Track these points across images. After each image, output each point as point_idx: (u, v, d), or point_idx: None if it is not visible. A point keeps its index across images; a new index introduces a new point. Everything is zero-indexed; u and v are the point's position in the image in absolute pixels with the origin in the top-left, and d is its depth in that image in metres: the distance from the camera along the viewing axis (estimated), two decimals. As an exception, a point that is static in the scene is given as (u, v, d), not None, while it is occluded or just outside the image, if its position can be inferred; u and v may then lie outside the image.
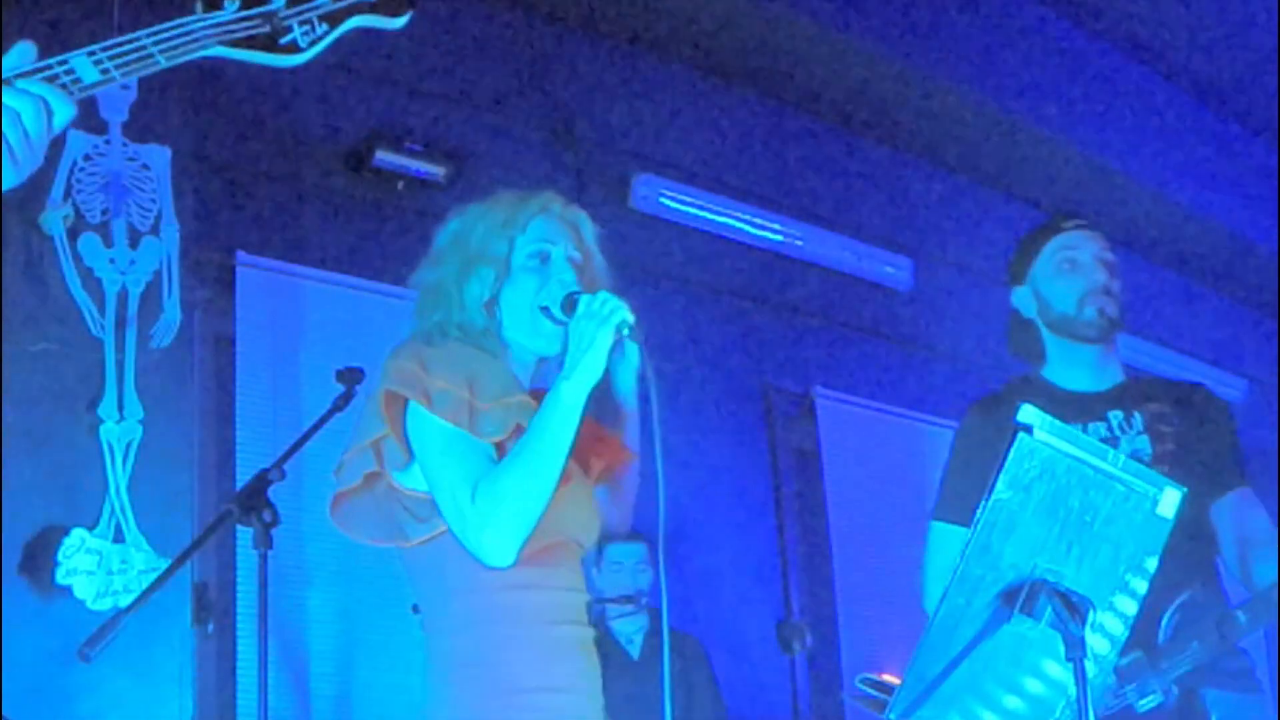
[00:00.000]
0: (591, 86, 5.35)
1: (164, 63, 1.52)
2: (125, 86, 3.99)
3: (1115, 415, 2.89)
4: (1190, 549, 2.72)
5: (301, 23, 1.62)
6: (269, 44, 1.60)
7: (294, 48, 1.61)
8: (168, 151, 4.08)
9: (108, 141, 3.99)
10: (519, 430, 2.11)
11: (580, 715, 2.14)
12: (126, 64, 1.50)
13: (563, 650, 2.14)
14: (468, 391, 2.11)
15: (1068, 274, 2.92)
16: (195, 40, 1.54)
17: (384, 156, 4.60)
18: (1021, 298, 3.01)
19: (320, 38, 1.63)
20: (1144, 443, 2.84)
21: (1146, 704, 2.61)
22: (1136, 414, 2.88)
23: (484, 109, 5.04)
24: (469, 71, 5.02)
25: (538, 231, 2.26)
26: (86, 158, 3.94)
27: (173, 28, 1.53)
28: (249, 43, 1.58)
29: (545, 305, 2.20)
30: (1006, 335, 3.09)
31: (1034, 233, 3.05)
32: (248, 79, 4.45)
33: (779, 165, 5.87)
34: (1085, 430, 2.83)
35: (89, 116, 3.96)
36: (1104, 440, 2.81)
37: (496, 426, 2.11)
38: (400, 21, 1.70)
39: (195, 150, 4.21)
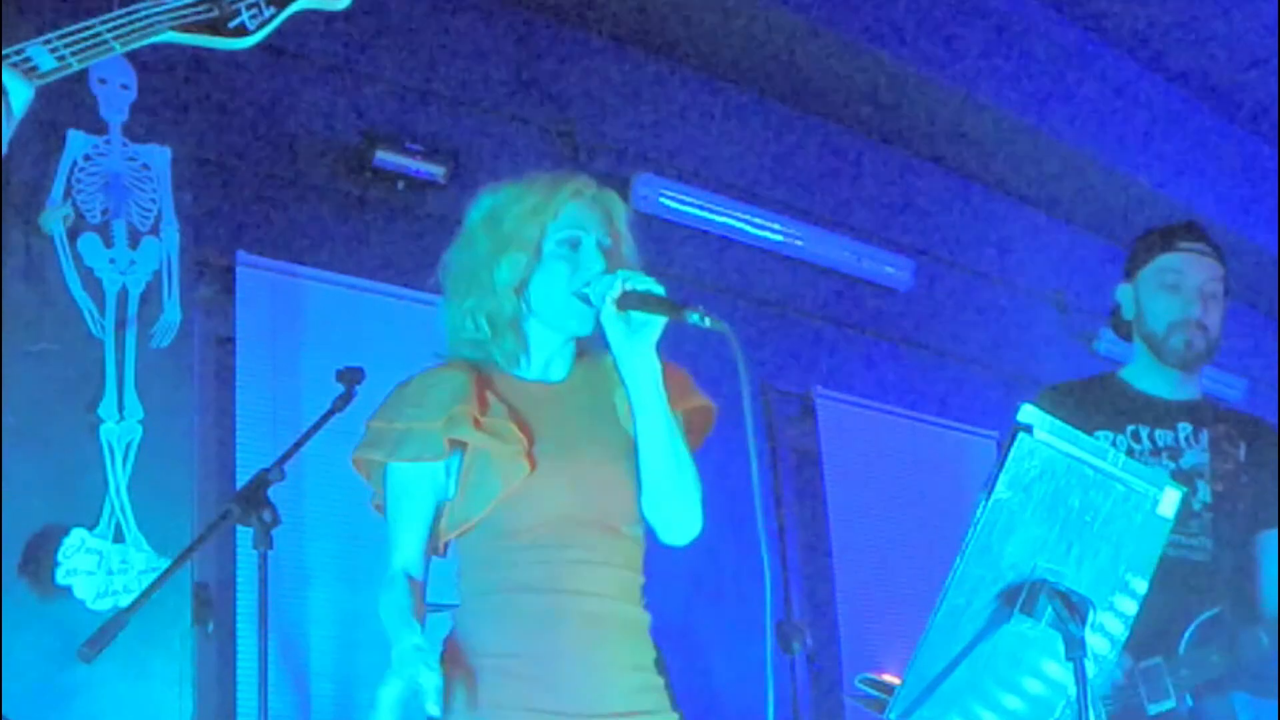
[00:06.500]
0: (591, 86, 5.35)
1: (119, 49, 1.54)
2: (125, 86, 3.99)
3: (1184, 428, 2.94)
4: (1233, 568, 2.77)
5: (248, 6, 1.65)
6: (218, 28, 1.63)
7: (243, 30, 1.65)
8: (168, 151, 4.06)
9: (108, 141, 3.98)
10: (454, 444, 2.17)
11: (545, 677, 2.14)
12: (82, 50, 1.51)
13: (526, 617, 2.16)
14: (425, 421, 2.17)
15: (1167, 295, 2.97)
16: (148, 25, 1.56)
17: (384, 156, 4.60)
18: (1125, 295, 3.06)
19: (267, 20, 1.66)
20: (1207, 460, 2.88)
21: (1158, 709, 2.63)
22: (1205, 431, 2.92)
23: (484, 109, 5.04)
24: (469, 71, 5.02)
25: (570, 217, 2.27)
26: (86, 158, 3.94)
27: (126, 14, 1.55)
28: (199, 27, 1.61)
29: (583, 294, 2.24)
30: (1110, 315, 3.14)
31: (1152, 236, 3.07)
32: (248, 79, 4.44)
33: (779, 165, 5.86)
34: (1152, 436, 2.87)
35: (89, 116, 3.95)
36: (1168, 449, 2.85)
37: (436, 446, 2.17)
38: (343, 4, 1.73)
39: (195, 150, 4.19)
